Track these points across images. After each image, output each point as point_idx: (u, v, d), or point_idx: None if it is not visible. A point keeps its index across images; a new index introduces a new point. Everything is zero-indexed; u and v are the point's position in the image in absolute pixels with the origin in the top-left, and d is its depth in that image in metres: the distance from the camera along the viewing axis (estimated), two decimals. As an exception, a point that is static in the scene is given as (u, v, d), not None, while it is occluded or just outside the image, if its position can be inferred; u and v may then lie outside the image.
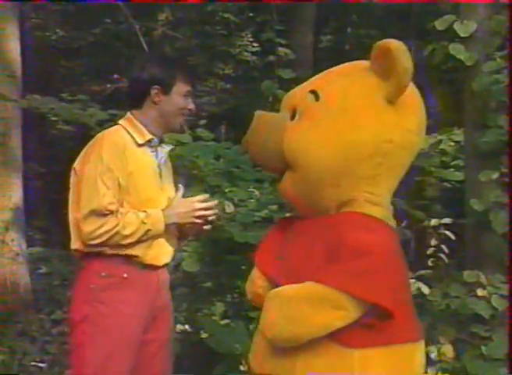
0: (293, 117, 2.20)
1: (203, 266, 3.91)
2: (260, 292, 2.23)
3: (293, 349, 2.04)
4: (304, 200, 2.18)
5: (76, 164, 2.47)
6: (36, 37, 9.32)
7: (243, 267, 3.96)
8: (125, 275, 2.41)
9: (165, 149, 2.58)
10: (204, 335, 3.90)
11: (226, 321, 3.95)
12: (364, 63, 2.21)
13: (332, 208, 2.14)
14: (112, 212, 2.35)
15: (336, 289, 1.96)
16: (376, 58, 2.12)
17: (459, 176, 4.78)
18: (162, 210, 2.45)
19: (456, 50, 3.87)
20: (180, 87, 2.49)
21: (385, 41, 2.10)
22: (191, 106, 2.54)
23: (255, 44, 9.71)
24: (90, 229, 2.35)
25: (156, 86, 2.45)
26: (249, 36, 9.87)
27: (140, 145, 2.47)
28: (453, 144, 5.09)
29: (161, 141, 2.57)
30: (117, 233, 2.36)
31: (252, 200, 4.07)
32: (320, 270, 2.01)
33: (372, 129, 2.09)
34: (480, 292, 3.67)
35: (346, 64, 2.31)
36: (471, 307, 3.63)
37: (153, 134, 2.49)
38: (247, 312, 3.85)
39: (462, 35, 3.87)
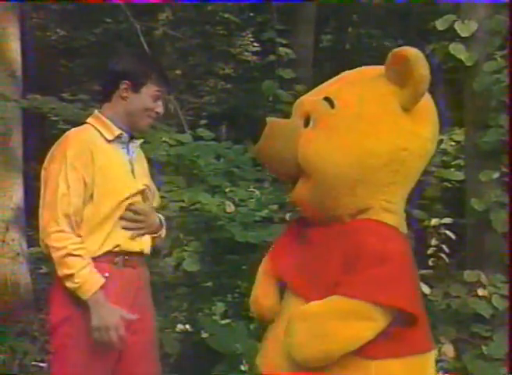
0: (306, 124, 2.19)
1: (203, 266, 3.91)
2: (265, 314, 2.22)
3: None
4: (318, 207, 2.16)
5: (45, 163, 2.47)
6: (36, 37, 9.32)
7: (244, 267, 3.96)
8: (106, 274, 2.36)
9: (136, 144, 2.53)
10: (204, 335, 3.90)
11: (227, 321, 3.95)
12: (378, 69, 2.20)
13: (347, 216, 2.13)
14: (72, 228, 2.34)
15: (361, 300, 1.95)
16: (392, 65, 2.11)
17: (459, 175, 4.79)
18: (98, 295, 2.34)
19: (457, 50, 3.87)
20: (151, 88, 2.44)
21: (402, 48, 2.09)
22: (159, 109, 2.47)
23: (255, 44, 9.72)
24: (49, 230, 2.37)
25: (126, 81, 2.41)
26: (249, 36, 9.88)
27: (109, 141, 2.43)
28: (453, 143, 5.10)
29: (132, 137, 2.51)
30: (63, 256, 2.33)
31: (252, 200, 4.07)
32: (342, 282, 1.99)
33: (389, 137, 2.09)
34: (480, 292, 3.67)
35: (359, 70, 2.30)
36: (471, 307, 3.63)
37: (122, 130, 2.45)
38: (247, 312, 3.85)
39: (463, 35, 3.87)
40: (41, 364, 4.62)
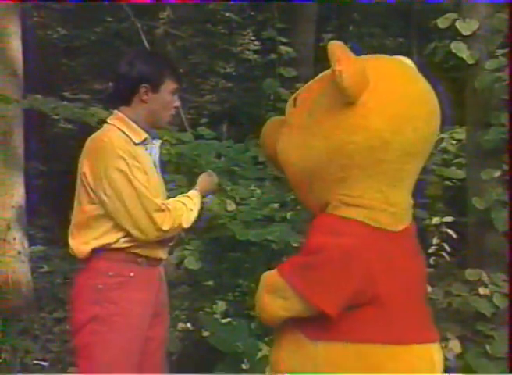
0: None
1: (204, 264, 3.91)
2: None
3: (277, 343, 2.16)
4: (301, 201, 2.28)
5: (85, 168, 2.41)
6: (37, 36, 9.32)
7: (245, 265, 3.96)
8: (131, 274, 2.42)
9: (156, 145, 2.57)
10: (205, 333, 3.90)
11: (228, 319, 3.95)
12: None
13: (316, 211, 2.18)
14: (164, 210, 2.41)
15: (283, 280, 2.05)
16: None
17: (461, 174, 4.79)
18: (197, 189, 2.63)
19: (458, 48, 3.87)
20: (169, 85, 2.49)
21: (329, 42, 2.11)
22: (177, 103, 2.55)
23: (256, 43, 9.72)
24: (158, 222, 2.39)
25: (145, 84, 2.44)
26: (250, 34, 9.88)
27: (135, 144, 2.46)
28: (454, 142, 5.10)
29: (152, 138, 2.55)
30: (179, 225, 2.45)
31: (253, 198, 4.07)
32: (284, 261, 2.15)
33: (331, 133, 2.09)
34: (482, 290, 3.67)
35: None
36: (472, 305, 3.63)
37: (145, 132, 2.49)
38: (248, 311, 3.85)
39: (464, 33, 3.87)
40: (43, 363, 4.63)
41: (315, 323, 2.04)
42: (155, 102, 2.46)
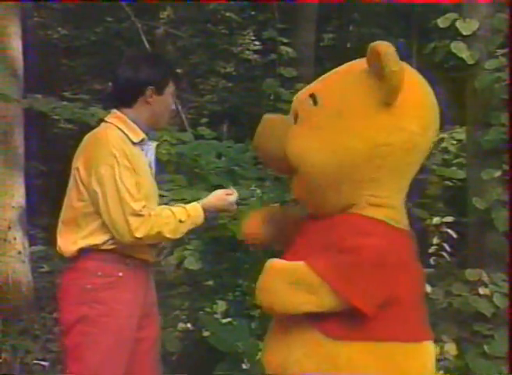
0: (295, 121, 2.21)
1: (205, 264, 3.91)
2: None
3: (289, 344, 2.11)
4: (310, 202, 2.21)
5: (79, 163, 2.43)
6: (38, 36, 9.32)
7: (245, 265, 3.96)
8: (120, 274, 2.41)
9: (152, 146, 2.57)
10: (205, 333, 3.90)
11: (228, 319, 3.95)
12: (364, 63, 2.20)
13: (336, 211, 2.15)
14: (142, 215, 2.36)
15: (316, 275, 2.00)
16: (369, 59, 2.10)
17: (461, 174, 4.78)
18: (200, 203, 2.52)
19: (458, 48, 3.87)
20: (170, 87, 2.52)
21: (375, 43, 2.09)
22: (173, 105, 2.58)
23: (257, 43, 9.72)
24: (131, 227, 2.35)
25: (151, 86, 2.46)
26: (250, 34, 9.88)
27: (134, 144, 2.46)
28: (455, 142, 5.10)
29: (149, 139, 2.56)
30: (158, 233, 2.38)
31: (254, 198, 4.07)
32: (313, 255, 2.06)
33: (367, 134, 2.08)
34: (482, 290, 3.67)
35: (347, 64, 2.29)
36: (473, 305, 3.63)
37: (143, 133, 2.50)
38: (248, 311, 3.85)
39: (464, 33, 3.87)
40: (43, 363, 4.63)
41: (338, 323, 2.03)
42: (159, 104, 2.48)
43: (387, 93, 2.06)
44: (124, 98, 2.49)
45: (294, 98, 2.30)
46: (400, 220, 2.19)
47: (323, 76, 2.30)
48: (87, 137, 2.49)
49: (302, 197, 2.23)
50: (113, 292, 2.40)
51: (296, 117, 2.21)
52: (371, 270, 2.01)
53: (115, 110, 2.51)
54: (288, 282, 2.02)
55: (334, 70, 2.29)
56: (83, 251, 2.40)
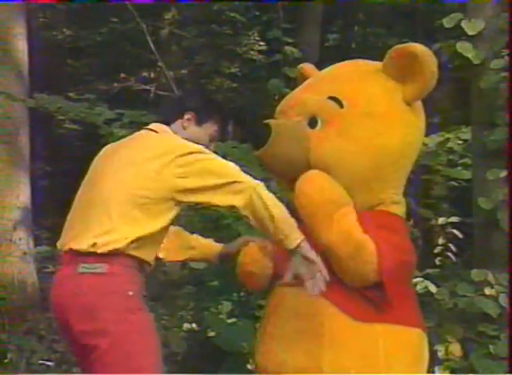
0: (312, 125, 2.21)
1: (210, 265, 3.91)
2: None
3: (319, 339, 2.13)
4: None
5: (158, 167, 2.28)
6: (43, 37, 9.34)
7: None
8: (143, 279, 2.35)
9: None
10: (211, 334, 3.91)
11: (233, 320, 3.95)
12: (372, 65, 2.23)
13: (360, 209, 2.21)
14: None
15: (371, 244, 2.09)
16: (395, 61, 2.12)
17: (466, 174, 4.77)
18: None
19: (464, 48, 3.86)
20: (211, 127, 2.51)
21: (408, 44, 2.15)
22: (211, 148, 2.50)
23: (262, 43, 9.71)
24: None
25: (192, 113, 2.47)
26: (255, 35, 9.87)
27: None
28: (460, 142, 5.08)
29: None
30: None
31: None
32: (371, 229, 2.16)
33: (399, 133, 2.16)
34: (488, 291, 3.66)
35: (353, 64, 2.32)
36: (478, 306, 3.62)
37: None
38: (253, 311, 3.85)
39: (470, 33, 3.86)
40: (48, 363, 4.64)
41: (361, 307, 2.13)
42: (193, 134, 2.46)
43: (417, 93, 2.13)
44: (167, 114, 2.52)
45: (300, 101, 2.29)
46: (404, 213, 2.31)
47: (325, 79, 2.30)
48: (163, 138, 2.42)
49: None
50: (141, 298, 2.32)
51: (312, 120, 2.20)
52: (408, 262, 2.16)
53: (159, 124, 2.48)
54: (341, 231, 2.08)
55: (338, 72, 2.29)
56: (113, 255, 2.26)
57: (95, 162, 2.48)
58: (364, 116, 2.15)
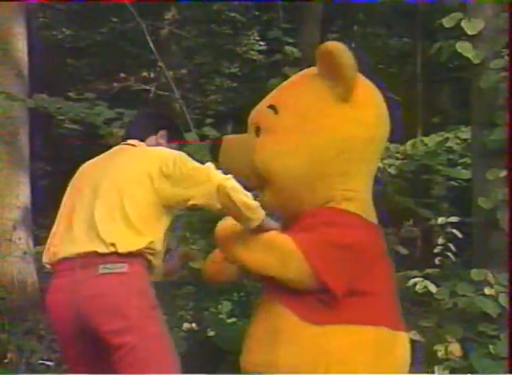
0: (258, 134, 2.33)
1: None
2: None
3: (273, 338, 2.21)
4: (287, 208, 2.30)
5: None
6: (43, 37, 9.34)
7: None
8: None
9: None
10: (210, 333, 3.91)
11: (233, 320, 3.95)
12: (313, 70, 2.34)
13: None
14: None
15: (295, 247, 2.11)
16: (320, 61, 2.24)
17: (466, 174, 4.77)
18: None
19: (464, 48, 3.86)
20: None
21: (323, 44, 2.29)
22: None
23: (261, 43, 9.72)
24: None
25: (165, 130, 2.68)
26: (255, 34, 9.88)
27: None
28: (460, 142, 5.08)
29: None
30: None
31: (258, 198, 4.07)
32: (295, 231, 2.20)
33: (332, 130, 2.20)
34: (487, 291, 3.66)
35: (300, 73, 2.47)
36: (478, 306, 3.62)
37: None
38: (253, 311, 3.85)
39: (469, 33, 3.86)
40: (48, 363, 4.64)
41: (316, 307, 2.16)
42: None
43: (344, 88, 2.19)
44: (140, 131, 2.68)
45: (251, 114, 2.43)
46: (370, 214, 2.30)
47: (273, 91, 2.44)
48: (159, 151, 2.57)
49: (277, 206, 2.32)
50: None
51: (257, 130, 2.32)
52: (345, 256, 2.14)
53: (136, 141, 2.63)
54: (264, 243, 2.16)
55: (283, 84, 2.45)
56: (132, 255, 2.37)
57: (80, 178, 2.59)
58: (295, 118, 2.23)
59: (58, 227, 2.57)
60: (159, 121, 2.75)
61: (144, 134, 2.66)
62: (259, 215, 2.26)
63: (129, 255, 2.35)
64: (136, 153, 2.56)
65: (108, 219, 2.39)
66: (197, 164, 2.41)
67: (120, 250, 2.34)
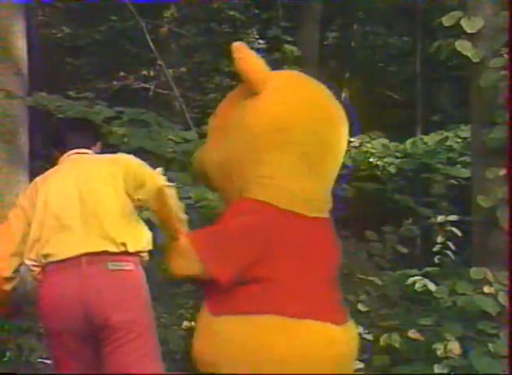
0: None
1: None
2: None
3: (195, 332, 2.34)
4: (227, 204, 2.42)
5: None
6: (42, 35, 9.33)
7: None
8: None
9: None
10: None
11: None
12: None
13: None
14: None
15: (188, 244, 2.24)
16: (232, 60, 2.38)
17: (466, 172, 4.78)
18: None
19: (463, 46, 3.86)
20: None
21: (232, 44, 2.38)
22: None
23: (261, 41, 9.72)
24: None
25: (100, 141, 2.99)
26: (255, 33, 9.88)
27: None
28: (459, 140, 5.09)
29: None
30: None
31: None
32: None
33: (241, 121, 2.33)
34: (487, 289, 3.66)
35: None
36: (477, 304, 3.62)
37: None
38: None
39: (469, 31, 3.86)
40: (47, 361, 4.64)
41: (217, 299, 2.24)
42: None
43: (247, 81, 2.31)
44: (86, 139, 2.94)
45: None
46: (290, 203, 2.29)
47: None
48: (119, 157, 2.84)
49: (224, 202, 2.48)
50: None
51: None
52: (230, 242, 2.21)
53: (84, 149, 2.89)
54: (175, 249, 2.25)
55: None
56: (135, 255, 2.63)
57: (47, 186, 2.84)
58: (221, 117, 2.43)
59: (41, 231, 2.66)
60: (96, 133, 3.10)
61: (87, 144, 2.92)
62: (184, 228, 2.44)
63: (135, 254, 2.59)
64: (102, 159, 2.81)
65: (115, 220, 2.60)
66: (149, 169, 2.70)
67: (130, 249, 2.57)
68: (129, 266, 2.58)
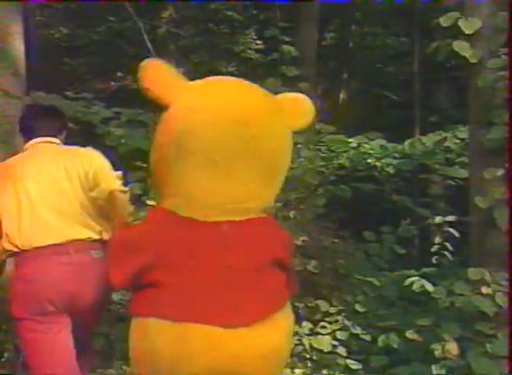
0: None
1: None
2: None
3: None
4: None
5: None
6: (40, 35, 9.32)
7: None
8: None
9: None
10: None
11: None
12: None
13: None
14: None
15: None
16: None
17: (463, 173, 4.78)
18: None
19: (461, 47, 3.87)
20: None
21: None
22: None
23: (259, 42, 9.72)
24: None
25: (66, 130, 3.14)
26: (252, 33, 9.88)
27: None
28: (457, 141, 5.09)
29: None
30: None
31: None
32: None
33: (153, 135, 2.43)
34: (484, 290, 3.66)
35: None
36: (475, 305, 3.62)
37: None
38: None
39: (467, 32, 3.86)
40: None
41: (132, 300, 2.43)
42: None
43: (149, 98, 2.37)
44: (54, 128, 3.10)
45: None
46: (189, 209, 2.34)
47: None
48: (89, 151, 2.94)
49: None
50: None
51: None
52: (124, 248, 2.38)
53: (54, 138, 3.04)
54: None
55: None
56: (104, 243, 2.76)
57: (18, 172, 2.93)
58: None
59: (14, 219, 2.78)
60: (63, 122, 3.20)
61: (53, 133, 3.06)
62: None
63: (103, 243, 2.75)
64: (67, 152, 2.93)
65: (90, 209, 2.77)
66: (108, 171, 2.81)
67: (105, 237, 2.75)
68: (103, 254, 2.72)
